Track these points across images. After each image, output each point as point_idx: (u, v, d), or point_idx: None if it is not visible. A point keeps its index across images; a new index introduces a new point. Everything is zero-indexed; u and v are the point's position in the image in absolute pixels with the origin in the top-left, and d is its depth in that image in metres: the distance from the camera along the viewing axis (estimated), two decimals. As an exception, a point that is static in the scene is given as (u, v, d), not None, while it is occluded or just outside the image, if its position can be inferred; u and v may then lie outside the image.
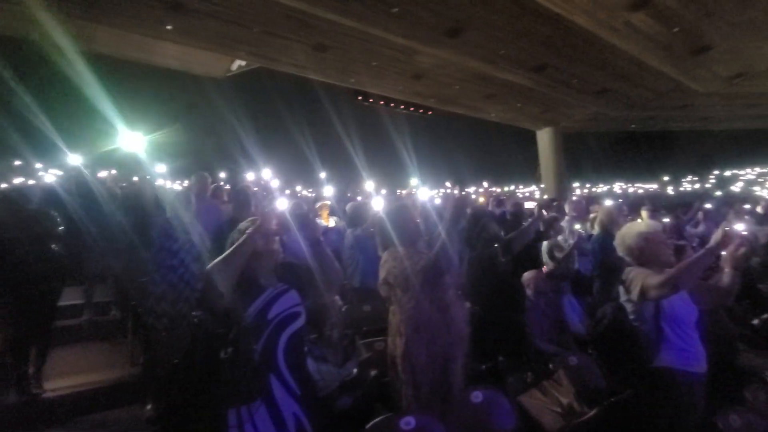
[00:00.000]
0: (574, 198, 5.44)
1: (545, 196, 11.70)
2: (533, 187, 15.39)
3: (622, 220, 4.25)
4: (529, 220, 2.56)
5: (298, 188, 15.01)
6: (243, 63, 9.72)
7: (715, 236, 2.10)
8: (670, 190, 17.33)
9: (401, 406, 2.10)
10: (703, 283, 2.32)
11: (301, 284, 1.81)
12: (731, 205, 6.97)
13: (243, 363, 1.54)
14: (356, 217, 4.58)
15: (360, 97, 11.04)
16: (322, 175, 9.78)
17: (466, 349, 2.12)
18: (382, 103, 11.58)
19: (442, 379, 2.06)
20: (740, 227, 2.11)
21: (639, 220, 4.37)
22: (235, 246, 1.61)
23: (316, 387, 1.97)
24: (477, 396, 2.11)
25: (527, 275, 3.29)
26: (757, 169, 20.04)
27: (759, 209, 5.74)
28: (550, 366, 2.50)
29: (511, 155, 21.52)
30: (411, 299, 2.12)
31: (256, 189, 5.07)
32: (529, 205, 8.11)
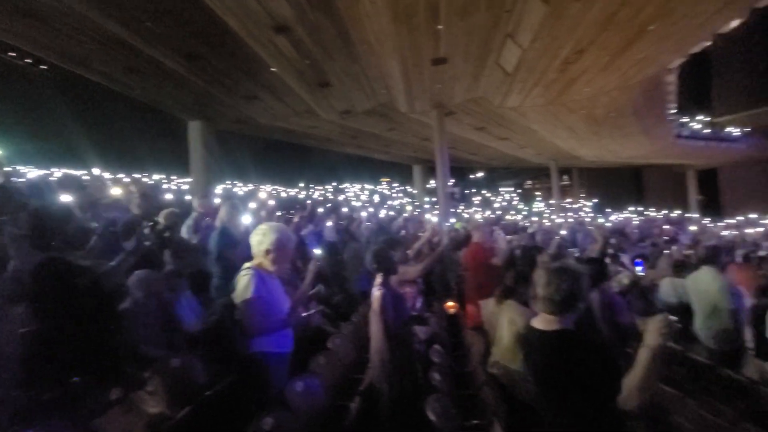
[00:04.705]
0: (204, 196, 5.46)
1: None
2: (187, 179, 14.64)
3: (239, 218, 4.43)
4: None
5: None
6: None
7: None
8: (303, 194, 20.67)
9: None
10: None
11: None
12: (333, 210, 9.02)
13: None
14: None
15: None
16: None
17: (12, 381, 1.63)
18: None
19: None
20: None
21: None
22: None
23: None
24: (25, 438, 1.66)
25: (137, 276, 2.98)
26: (358, 185, 27.49)
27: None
28: (146, 375, 2.31)
29: (163, 142, 19.70)
30: None
31: None
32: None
